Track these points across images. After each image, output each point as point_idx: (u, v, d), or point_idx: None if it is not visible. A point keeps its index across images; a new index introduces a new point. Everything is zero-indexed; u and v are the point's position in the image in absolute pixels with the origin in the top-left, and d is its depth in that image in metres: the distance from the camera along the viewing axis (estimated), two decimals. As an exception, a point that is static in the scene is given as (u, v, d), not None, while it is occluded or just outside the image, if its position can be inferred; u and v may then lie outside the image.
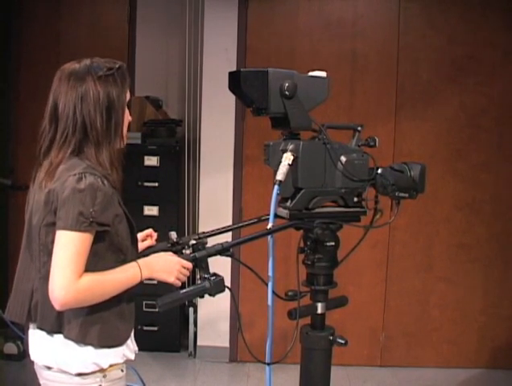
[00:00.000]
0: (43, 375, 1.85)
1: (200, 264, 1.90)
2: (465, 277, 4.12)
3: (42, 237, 1.76)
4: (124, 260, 1.80)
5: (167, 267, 1.85)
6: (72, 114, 1.76)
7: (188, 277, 1.92)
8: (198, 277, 1.92)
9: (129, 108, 1.91)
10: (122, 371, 1.86)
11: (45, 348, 1.81)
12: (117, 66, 1.82)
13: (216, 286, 1.87)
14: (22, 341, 3.90)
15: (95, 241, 1.72)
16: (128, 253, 1.83)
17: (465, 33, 3.98)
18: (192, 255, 1.91)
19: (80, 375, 1.77)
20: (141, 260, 1.83)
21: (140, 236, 2.06)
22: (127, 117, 1.89)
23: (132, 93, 4.96)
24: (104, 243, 1.75)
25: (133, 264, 1.80)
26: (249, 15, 4.04)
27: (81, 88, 1.76)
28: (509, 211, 4.09)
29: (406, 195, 2.11)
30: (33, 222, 1.80)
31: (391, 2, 4.01)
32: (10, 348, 4.00)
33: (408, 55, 4.01)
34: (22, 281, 1.84)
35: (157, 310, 1.85)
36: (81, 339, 1.76)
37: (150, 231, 2.12)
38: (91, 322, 1.76)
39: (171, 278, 1.85)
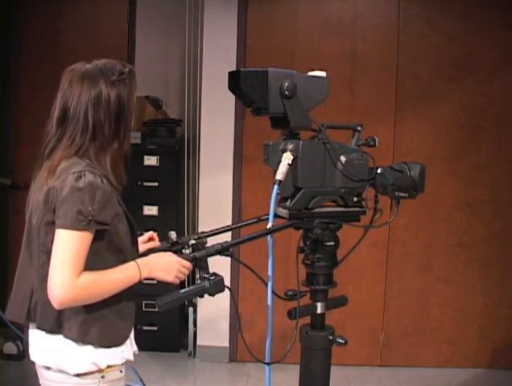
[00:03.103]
0: (43, 375, 1.85)
1: (199, 263, 1.90)
2: (465, 277, 4.12)
3: (41, 237, 1.76)
4: (124, 260, 1.80)
5: (166, 266, 1.85)
6: (83, 118, 1.75)
7: (188, 277, 1.92)
8: (198, 276, 1.92)
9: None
10: (121, 372, 1.86)
11: (44, 348, 1.81)
12: (127, 70, 1.82)
13: (216, 286, 1.87)
14: (22, 341, 3.90)
15: (95, 240, 1.72)
16: (128, 253, 1.83)
17: (465, 33, 3.98)
18: (191, 255, 1.91)
19: (78, 375, 1.77)
20: (140, 260, 1.83)
21: (142, 238, 2.06)
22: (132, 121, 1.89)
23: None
24: (103, 242, 1.75)
25: (132, 263, 1.80)
26: (249, 15, 4.04)
27: (94, 92, 1.75)
28: (508, 210, 4.09)
29: (406, 194, 2.11)
30: (33, 221, 1.80)
31: (391, 1, 4.02)
32: (10, 348, 4.00)
33: (408, 54, 4.01)
34: (22, 281, 1.84)
35: (156, 309, 1.85)
36: (81, 338, 1.76)
37: (151, 233, 2.11)
38: (91, 321, 1.76)
39: (170, 277, 1.85)
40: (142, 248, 2.01)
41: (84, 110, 1.75)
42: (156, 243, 2.09)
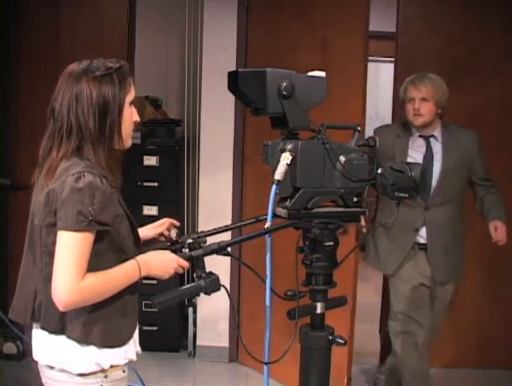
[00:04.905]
0: (45, 374, 1.86)
1: (196, 262, 1.90)
2: (465, 277, 4.10)
3: (43, 238, 1.77)
4: (125, 260, 1.81)
5: (164, 266, 1.87)
6: (67, 114, 1.77)
7: (187, 276, 1.92)
8: (195, 275, 1.92)
9: (135, 107, 1.90)
10: (124, 371, 1.87)
11: (48, 348, 1.82)
12: (117, 65, 1.81)
13: (212, 285, 1.88)
14: (22, 341, 3.90)
15: (96, 241, 1.73)
16: (130, 253, 1.84)
17: (465, 33, 3.98)
18: (188, 254, 1.91)
19: (81, 375, 1.78)
20: (140, 258, 1.83)
21: (155, 223, 2.09)
22: (131, 117, 1.87)
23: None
24: (105, 243, 1.76)
25: (132, 261, 1.81)
26: (249, 14, 4.03)
27: (76, 88, 1.76)
28: (509, 211, 4.08)
29: (406, 195, 2.10)
30: (34, 223, 1.80)
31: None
32: (10, 348, 4.00)
33: (408, 55, 4.00)
34: (26, 282, 1.85)
35: (153, 308, 1.86)
36: (84, 339, 1.77)
37: (167, 220, 2.13)
38: (94, 322, 1.77)
39: (165, 276, 1.88)
40: (151, 233, 2.05)
41: (66, 107, 1.77)
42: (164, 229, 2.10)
